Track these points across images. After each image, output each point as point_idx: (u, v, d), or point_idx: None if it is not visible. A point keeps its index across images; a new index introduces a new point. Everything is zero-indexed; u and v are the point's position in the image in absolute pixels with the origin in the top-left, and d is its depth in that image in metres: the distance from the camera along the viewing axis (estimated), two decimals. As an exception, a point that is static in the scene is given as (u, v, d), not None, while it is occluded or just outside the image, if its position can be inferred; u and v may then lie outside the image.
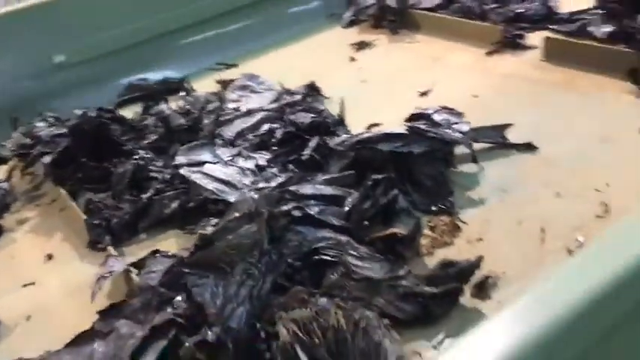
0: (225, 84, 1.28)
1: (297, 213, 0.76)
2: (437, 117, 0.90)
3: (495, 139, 0.92)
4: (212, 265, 0.68)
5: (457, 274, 0.67)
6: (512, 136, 0.94)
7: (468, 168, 0.89)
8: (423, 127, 0.86)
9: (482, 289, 0.68)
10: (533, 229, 0.76)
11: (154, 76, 1.36)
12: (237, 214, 0.71)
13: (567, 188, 0.82)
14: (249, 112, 1.09)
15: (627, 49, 1.04)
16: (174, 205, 0.90)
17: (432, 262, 0.74)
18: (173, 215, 0.90)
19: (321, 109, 1.02)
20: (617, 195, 0.79)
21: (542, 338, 0.46)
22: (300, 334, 0.57)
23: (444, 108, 0.93)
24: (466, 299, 0.67)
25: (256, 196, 0.73)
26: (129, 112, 1.19)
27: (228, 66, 1.39)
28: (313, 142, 0.89)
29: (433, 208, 0.81)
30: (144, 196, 0.91)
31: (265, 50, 1.43)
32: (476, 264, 0.67)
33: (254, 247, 0.68)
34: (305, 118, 0.97)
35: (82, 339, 0.71)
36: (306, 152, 0.87)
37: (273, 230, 0.70)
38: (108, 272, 0.78)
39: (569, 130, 0.94)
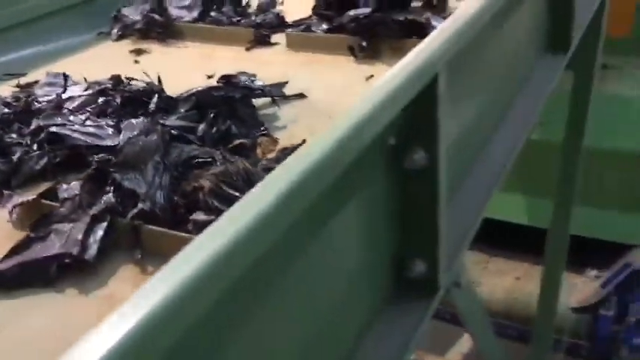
0: (28, 85, 1.42)
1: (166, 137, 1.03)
2: (241, 77, 1.26)
3: (279, 93, 1.31)
4: (130, 164, 0.91)
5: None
6: (288, 90, 1.34)
7: (269, 109, 1.26)
8: (235, 81, 1.21)
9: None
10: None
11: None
12: (136, 132, 0.96)
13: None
14: (72, 98, 1.28)
15: (342, 35, 1.54)
16: (44, 160, 1.06)
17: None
18: (44, 170, 1.05)
19: (147, 82, 1.28)
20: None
21: None
22: (219, 183, 0.86)
23: (242, 73, 1.29)
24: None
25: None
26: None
27: (17, 75, 1.52)
28: (155, 98, 1.16)
29: (257, 134, 1.16)
30: (14, 157, 1.04)
31: (48, 61, 1.59)
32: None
33: (157, 151, 0.94)
34: (136, 86, 1.23)
35: (20, 247, 0.86)
36: (152, 105, 1.14)
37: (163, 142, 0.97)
38: (19, 202, 0.93)
39: (320, 84, 1.38)
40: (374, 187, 0.71)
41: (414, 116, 0.70)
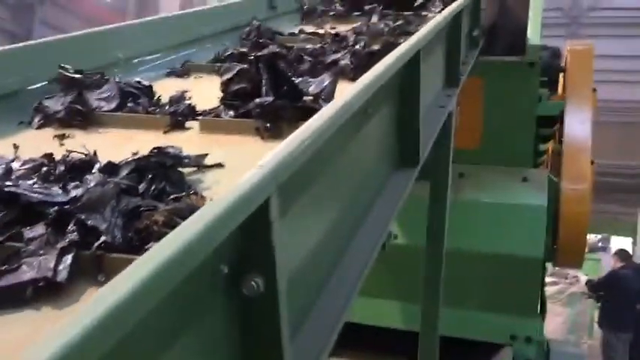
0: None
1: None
2: (170, 149, 1.47)
3: (201, 162, 1.53)
4: (91, 208, 1.08)
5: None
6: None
7: (193, 175, 1.47)
8: (166, 151, 1.43)
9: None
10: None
11: None
12: (92, 184, 1.14)
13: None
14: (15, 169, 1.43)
15: (249, 120, 1.80)
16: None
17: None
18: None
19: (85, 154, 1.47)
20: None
21: None
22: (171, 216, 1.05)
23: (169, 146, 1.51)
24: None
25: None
26: None
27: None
28: (97, 164, 1.35)
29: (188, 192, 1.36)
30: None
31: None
32: None
33: (112, 198, 1.11)
34: (75, 158, 1.42)
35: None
36: (95, 170, 1.32)
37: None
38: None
39: (233, 156, 1.61)
40: (213, 314, 0.69)
41: (249, 242, 0.70)
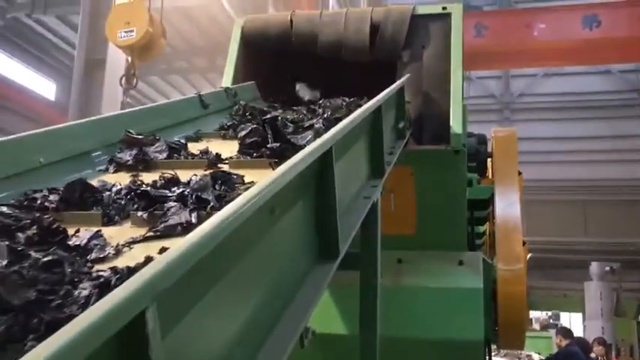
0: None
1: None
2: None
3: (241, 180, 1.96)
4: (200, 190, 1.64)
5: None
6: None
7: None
8: None
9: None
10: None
11: None
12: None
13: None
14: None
15: (264, 159, 2.22)
16: None
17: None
18: None
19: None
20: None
21: None
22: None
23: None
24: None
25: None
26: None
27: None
28: None
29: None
30: None
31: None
32: None
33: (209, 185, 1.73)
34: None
35: None
36: None
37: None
38: None
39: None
40: None
41: (128, 356, 0.66)
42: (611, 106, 20.26)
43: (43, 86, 15.92)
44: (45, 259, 1.16)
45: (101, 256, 1.31)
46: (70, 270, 1.16)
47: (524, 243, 4.07)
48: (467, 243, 4.09)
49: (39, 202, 1.67)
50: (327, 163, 1.65)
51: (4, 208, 1.51)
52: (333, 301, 3.51)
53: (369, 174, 2.51)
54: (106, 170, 2.22)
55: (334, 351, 3.51)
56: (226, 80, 3.83)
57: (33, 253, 1.18)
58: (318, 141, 1.63)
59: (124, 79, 7.18)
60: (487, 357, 4.12)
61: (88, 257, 1.29)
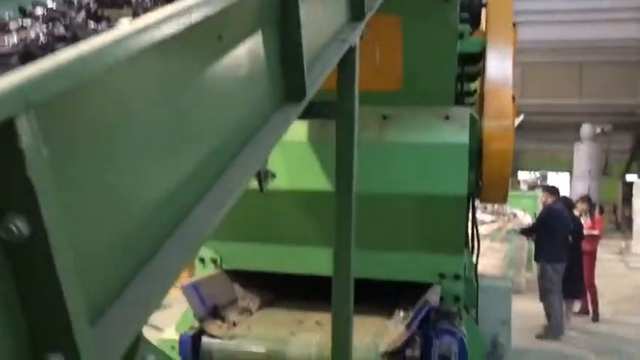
0: None
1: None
2: None
3: None
4: None
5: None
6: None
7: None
8: None
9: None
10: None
11: None
12: None
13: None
14: None
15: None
16: None
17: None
18: None
19: None
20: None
21: None
22: None
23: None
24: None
25: None
26: None
27: None
28: None
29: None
30: None
31: None
32: None
33: None
34: None
35: None
36: None
37: None
38: None
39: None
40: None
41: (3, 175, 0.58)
42: (615, -39, 19.31)
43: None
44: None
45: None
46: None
47: (513, 99, 3.94)
48: (455, 98, 3.95)
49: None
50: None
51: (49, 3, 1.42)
52: (311, 157, 3.43)
53: (349, 17, 2.30)
54: None
55: (312, 208, 3.50)
56: None
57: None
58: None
59: None
60: (470, 212, 4.15)
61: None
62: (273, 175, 1.39)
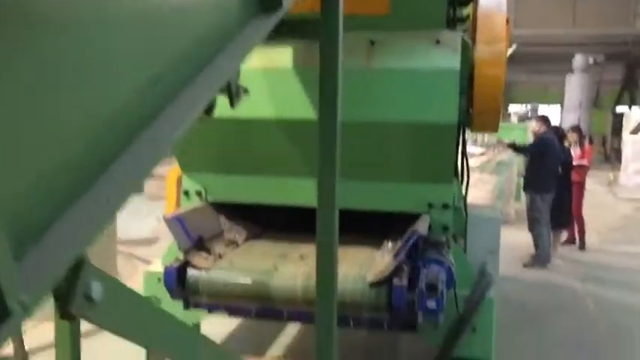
0: None
1: None
2: None
3: None
4: None
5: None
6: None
7: None
8: None
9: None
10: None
11: None
12: None
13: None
14: None
15: None
16: None
17: None
18: None
19: None
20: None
21: None
22: None
23: None
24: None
25: None
26: None
27: None
28: None
29: None
30: None
31: None
32: None
33: None
34: None
35: None
36: None
37: None
38: None
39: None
40: None
41: None
42: None
43: None
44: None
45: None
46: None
47: (507, 22, 3.77)
48: (447, 25, 3.78)
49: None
50: None
51: None
52: (296, 84, 3.29)
53: None
54: None
55: (297, 138, 3.39)
56: None
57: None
58: None
59: None
60: (460, 140, 4.06)
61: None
62: (246, 91, 1.29)
